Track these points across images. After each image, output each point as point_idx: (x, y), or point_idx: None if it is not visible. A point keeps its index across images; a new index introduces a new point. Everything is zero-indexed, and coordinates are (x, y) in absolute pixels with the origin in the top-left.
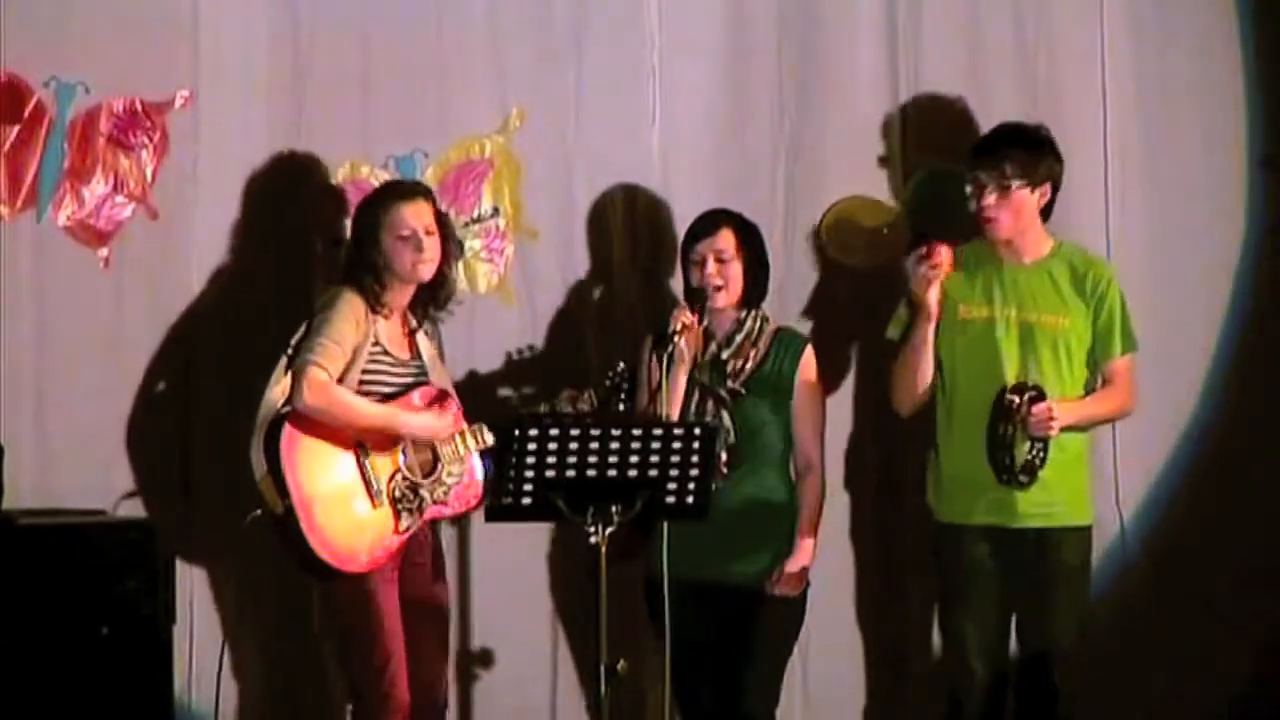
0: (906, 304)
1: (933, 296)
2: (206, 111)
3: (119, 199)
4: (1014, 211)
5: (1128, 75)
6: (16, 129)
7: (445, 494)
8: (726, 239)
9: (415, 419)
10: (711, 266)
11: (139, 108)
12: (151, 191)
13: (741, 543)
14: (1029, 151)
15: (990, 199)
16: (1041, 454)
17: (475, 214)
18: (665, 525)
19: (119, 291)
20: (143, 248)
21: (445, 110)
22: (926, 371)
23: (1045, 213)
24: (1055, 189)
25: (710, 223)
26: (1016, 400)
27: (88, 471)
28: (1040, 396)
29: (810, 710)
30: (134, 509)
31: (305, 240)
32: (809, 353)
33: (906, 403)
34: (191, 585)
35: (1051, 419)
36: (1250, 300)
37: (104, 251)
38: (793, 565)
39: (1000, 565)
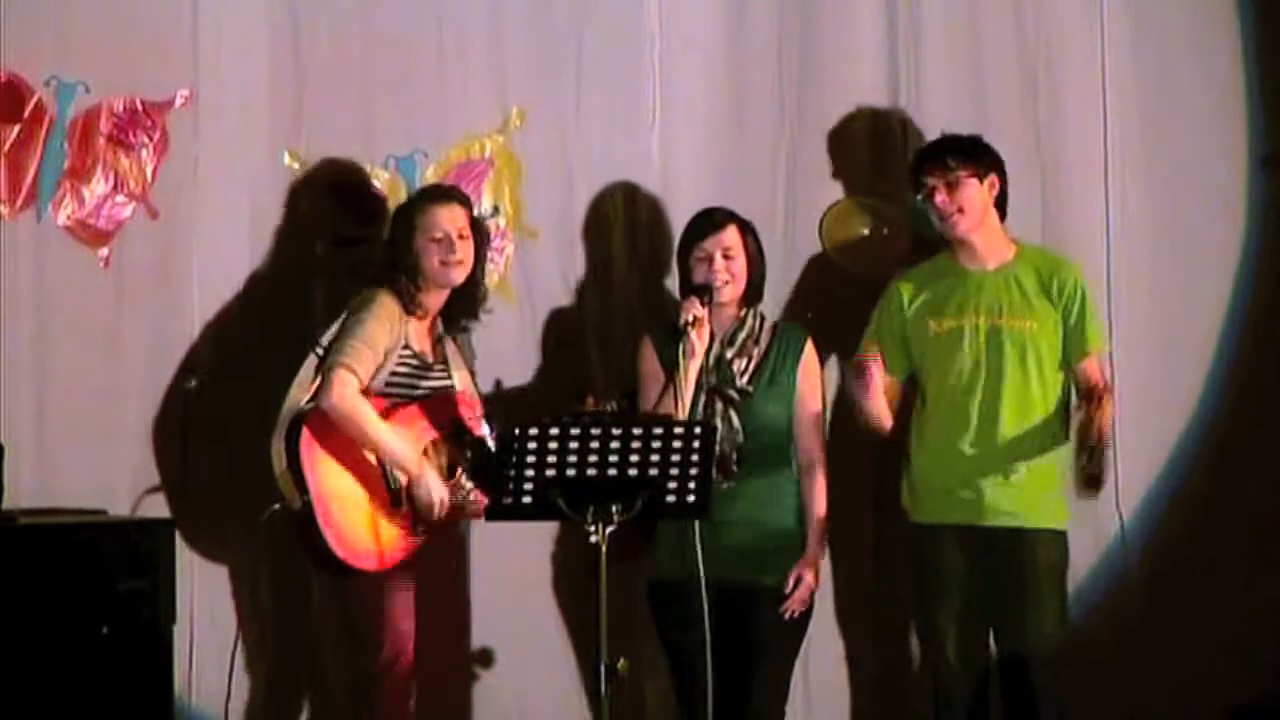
0: (875, 328)
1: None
2: (206, 111)
3: (119, 199)
4: (969, 204)
5: (1128, 75)
6: (16, 129)
7: (464, 498)
8: (732, 235)
9: (426, 477)
10: (719, 263)
11: (139, 107)
12: (151, 191)
13: (753, 543)
14: (967, 147)
15: (943, 196)
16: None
17: (476, 214)
18: (697, 527)
19: (119, 291)
20: (143, 248)
21: (445, 110)
22: (887, 420)
23: (1000, 210)
24: (1004, 185)
25: (715, 219)
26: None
27: (88, 471)
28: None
29: (810, 710)
30: (147, 501)
31: (305, 239)
32: (809, 348)
33: (876, 431)
34: (192, 585)
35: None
36: (1250, 300)
37: (104, 251)
38: (809, 578)
39: (973, 565)
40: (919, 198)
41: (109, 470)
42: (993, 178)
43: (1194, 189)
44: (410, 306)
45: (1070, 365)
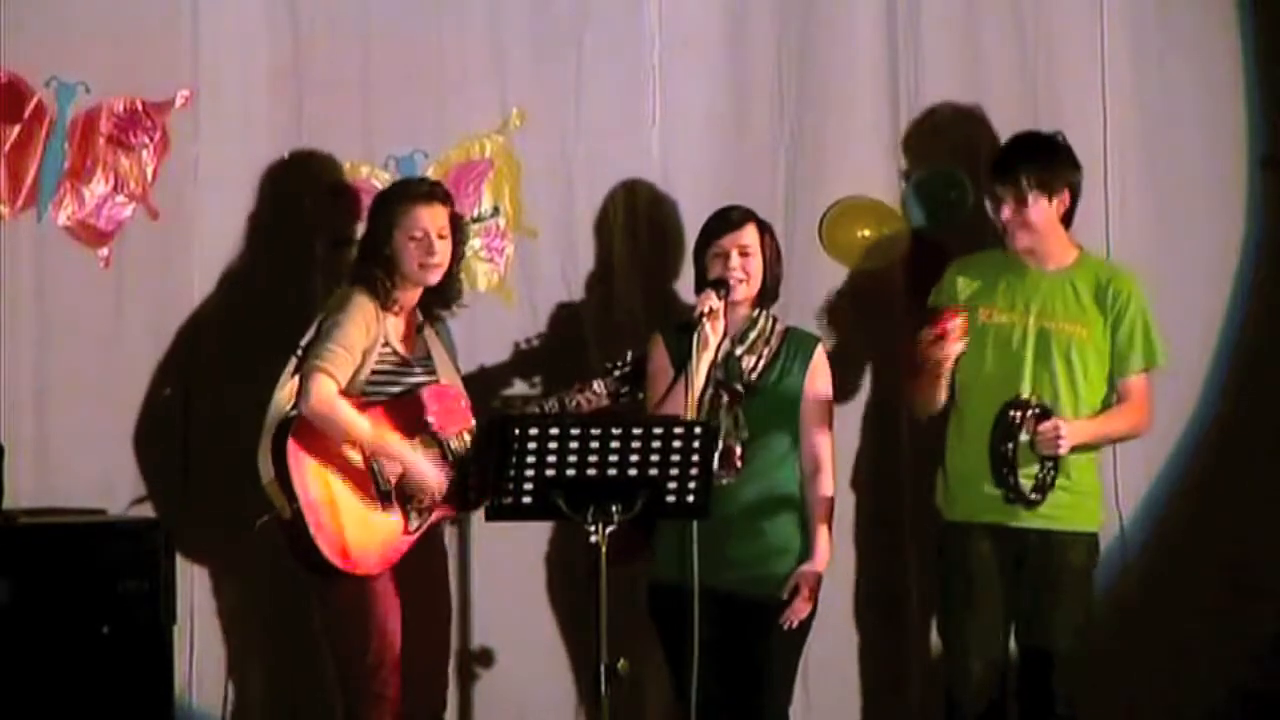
0: (944, 282)
1: (948, 365)
2: (206, 111)
3: (119, 199)
4: (1033, 222)
5: (1128, 76)
6: (16, 129)
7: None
8: (750, 234)
9: (413, 461)
10: (735, 260)
11: (139, 108)
12: (151, 191)
13: (750, 546)
14: (1044, 162)
15: (1008, 212)
16: (1053, 473)
17: (475, 214)
18: (695, 530)
19: (119, 291)
20: (143, 248)
21: (445, 110)
22: (941, 398)
23: (1067, 220)
24: (1075, 196)
25: (735, 217)
26: (1017, 416)
27: (88, 471)
28: (1045, 414)
29: (811, 710)
30: (135, 511)
31: (306, 240)
32: (820, 353)
33: (926, 413)
34: (192, 585)
35: (1059, 437)
36: (1250, 300)
37: (104, 251)
38: (808, 584)
39: (1003, 565)
40: (987, 202)
41: (109, 470)
42: (1064, 195)
43: (1194, 189)
44: (386, 303)
45: (1115, 378)
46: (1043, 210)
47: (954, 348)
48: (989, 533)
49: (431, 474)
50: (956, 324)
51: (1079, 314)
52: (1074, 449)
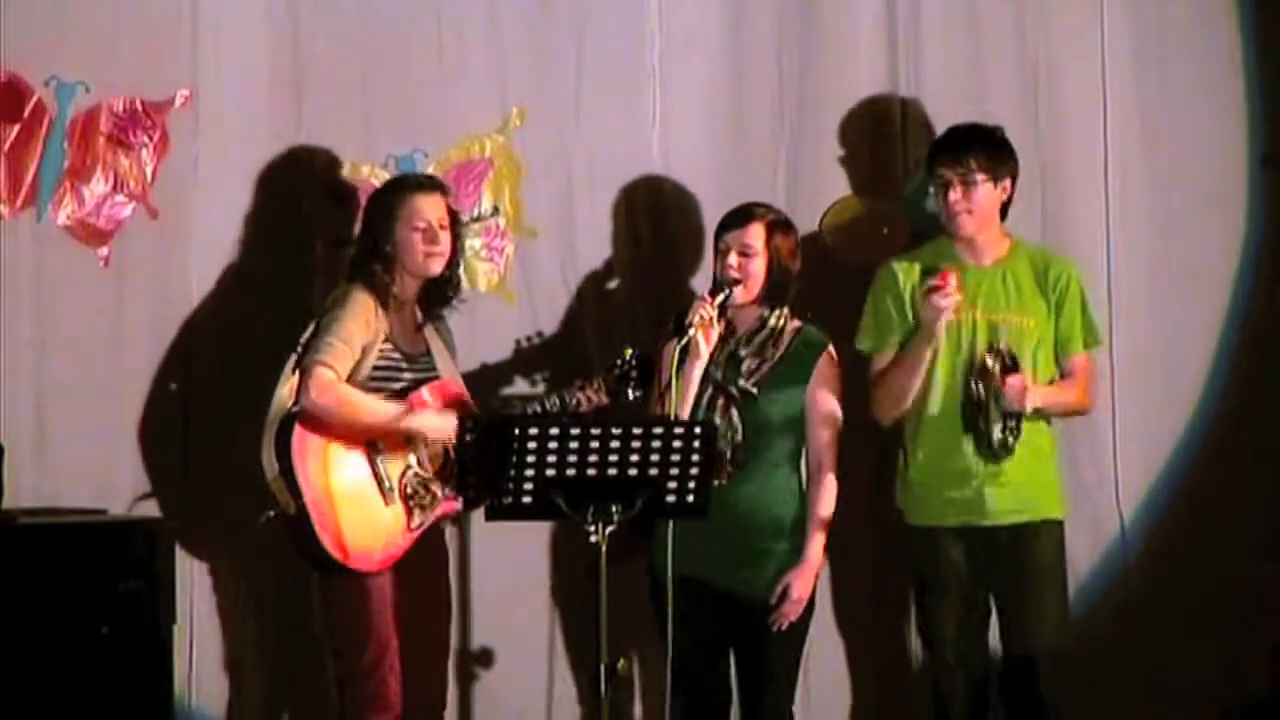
0: (872, 315)
1: (942, 327)
2: (206, 111)
3: (119, 198)
4: (979, 207)
5: (1128, 75)
6: (16, 129)
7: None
8: (755, 234)
9: (423, 419)
10: (734, 259)
11: (139, 107)
12: (151, 191)
13: (747, 547)
14: (991, 148)
15: (956, 194)
16: (1015, 431)
17: (475, 213)
18: (670, 524)
19: (119, 291)
20: (143, 247)
21: (445, 110)
22: (917, 387)
23: (1003, 213)
24: (1013, 188)
25: (741, 215)
26: (994, 365)
27: (88, 471)
28: (1015, 368)
29: (810, 710)
30: (139, 508)
31: (305, 240)
32: (827, 355)
33: (891, 415)
34: (192, 585)
35: (1025, 391)
36: (1250, 300)
37: (104, 251)
38: (798, 588)
39: (975, 565)
40: (930, 190)
41: (109, 470)
42: (1006, 183)
43: (1194, 189)
44: (386, 300)
45: (1059, 359)
46: (988, 195)
47: (951, 300)
48: (958, 535)
49: (449, 426)
50: (953, 281)
51: (1022, 305)
52: (1034, 411)
